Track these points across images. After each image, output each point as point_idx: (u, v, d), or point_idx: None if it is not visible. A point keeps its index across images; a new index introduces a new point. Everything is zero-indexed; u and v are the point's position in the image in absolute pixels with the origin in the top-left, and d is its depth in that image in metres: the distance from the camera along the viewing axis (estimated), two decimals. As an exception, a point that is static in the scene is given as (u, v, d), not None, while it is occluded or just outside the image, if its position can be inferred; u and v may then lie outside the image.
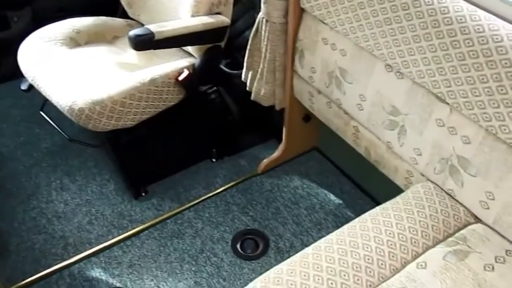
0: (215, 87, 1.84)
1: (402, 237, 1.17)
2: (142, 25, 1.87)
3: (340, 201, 1.82)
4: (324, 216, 1.76)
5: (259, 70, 1.67)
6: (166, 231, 1.73)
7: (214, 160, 1.99)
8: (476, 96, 1.11)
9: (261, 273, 1.13)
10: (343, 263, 1.11)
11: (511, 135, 1.07)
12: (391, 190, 1.41)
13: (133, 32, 1.53)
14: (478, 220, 1.24)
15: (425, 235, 1.18)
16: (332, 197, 1.84)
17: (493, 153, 1.13)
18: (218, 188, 1.88)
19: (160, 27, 1.56)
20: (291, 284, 1.07)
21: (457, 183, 1.24)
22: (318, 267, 1.10)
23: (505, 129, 1.08)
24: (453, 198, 1.27)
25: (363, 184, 1.86)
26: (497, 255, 1.13)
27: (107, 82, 1.61)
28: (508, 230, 1.16)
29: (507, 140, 1.08)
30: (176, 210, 1.80)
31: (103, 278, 1.59)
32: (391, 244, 1.15)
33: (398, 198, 1.29)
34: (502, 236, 1.18)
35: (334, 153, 1.96)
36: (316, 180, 1.90)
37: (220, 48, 1.75)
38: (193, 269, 1.62)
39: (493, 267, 1.11)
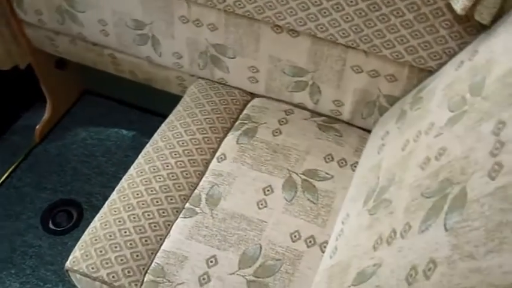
0: None
1: (195, 141, 1.18)
2: None
3: (134, 133, 1.75)
4: (124, 154, 1.69)
5: (-21, 33, 1.42)
6: (-40, 250, 1.49)
7: (-20, 151, 1.72)
8: (203, -19, 1.10)
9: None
10: (152, 191, 1.09)
11: (246, 8, 1.11)
12: (175, 101, 1.39)
13: None
14: (253, 95, 1.31)
15: (215, 129, 1.21)
16: (124, 132, 1.76)
17: (239, 30, 1.16)
18: (0, 178, 1.65)
19: None
20: (110, 236, 1.02)
21: (223, 70, 1.27)
22: (129, 207, 1.06)
23: (239, 4, 1.11)
24: (226, 85, 1.31)
25: (148, 106, 1.81)
26: (279, 119, 1.23)
27: None
28: (280, 93, 1.25)
29: (244, 13, 1.12)
30: (-38, 223, 1.54)
31: None
32: (188, 152, 1.16)
33: (179, 107, 1.28)
34: (277, 100, 1.28)
35: (106, 89, 1.84)
36: (102, 122, 1.79)
37: None
38: (12, 272, 1.44)
39: (280, 131, 1.20)
